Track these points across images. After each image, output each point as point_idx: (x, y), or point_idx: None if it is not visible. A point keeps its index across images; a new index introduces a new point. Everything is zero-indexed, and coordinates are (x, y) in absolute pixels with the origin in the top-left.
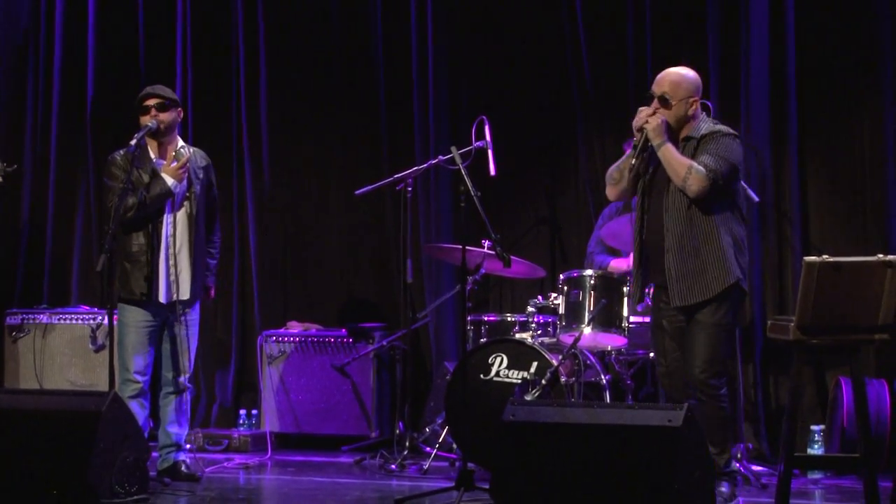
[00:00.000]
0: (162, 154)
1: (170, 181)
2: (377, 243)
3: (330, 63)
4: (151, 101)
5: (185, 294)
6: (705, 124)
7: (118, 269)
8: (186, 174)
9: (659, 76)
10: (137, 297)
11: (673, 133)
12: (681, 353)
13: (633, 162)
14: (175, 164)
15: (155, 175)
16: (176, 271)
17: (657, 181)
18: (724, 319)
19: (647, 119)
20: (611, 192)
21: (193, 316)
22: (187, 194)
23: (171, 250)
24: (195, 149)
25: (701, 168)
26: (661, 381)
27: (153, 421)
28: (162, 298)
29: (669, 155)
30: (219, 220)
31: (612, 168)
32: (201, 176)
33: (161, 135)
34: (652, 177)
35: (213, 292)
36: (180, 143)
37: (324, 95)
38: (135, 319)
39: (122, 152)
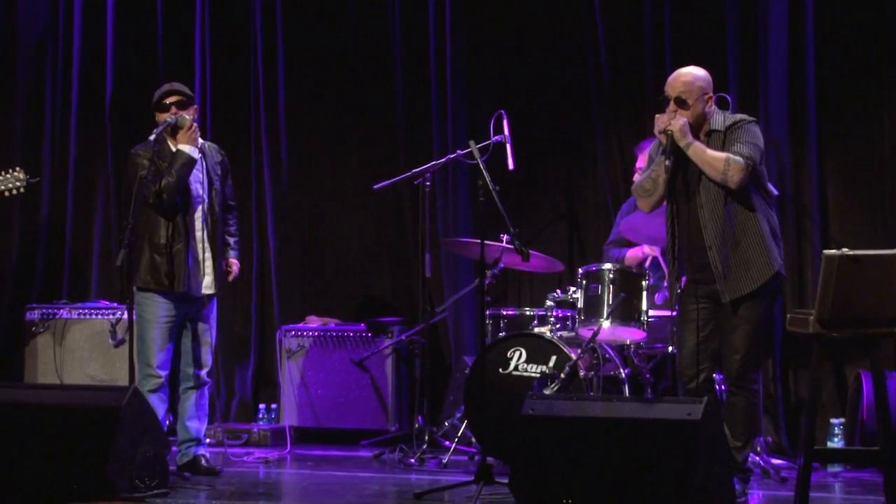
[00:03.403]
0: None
1: (187, 148)
2: (395, 238)
3: (348, 58)
4: (172, 99)
5: (209, 288)
6: (720, 115)
7: (145, 261)
8: (198, 135)
9: (671, 78)
10: (166, 288)
11: (693, 132)
12: (708, 345)
13: (666, 163)
14: (183, 131)
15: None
16: (202, 266)
17: (685, 181)
18: (765, 313)
19: (670, 122)
20: (645, 204)
21: (214, 311)
22: (210, 192)
23: (199, 245)
24: (209, 143)
25: (738, 158)
26: (679, 374)
27: (172, 415)
28: (195, 292)
29: (702, 152)
30: (235, 206)
31: (641, 181)
32: (220, 172)
33: (178, 131)
34: (679, 178)
35: (236, 268)
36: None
37: (342, 91)
38: (156, 314)
39: (143, 146)
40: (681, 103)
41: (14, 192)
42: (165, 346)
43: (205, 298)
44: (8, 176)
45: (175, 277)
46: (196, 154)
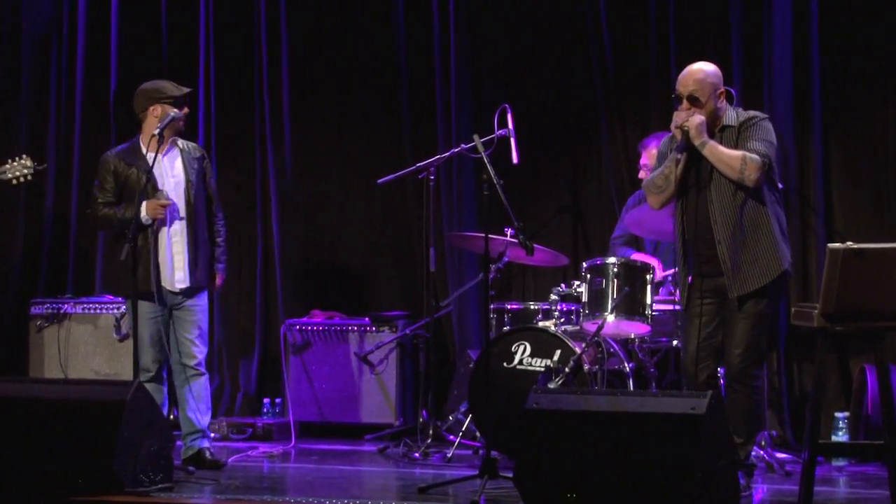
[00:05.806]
0: (151, 145)
1: (143, 214)
2: (400, 232)
3: (352, 52)
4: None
5: (184, 282)
6: (732, 111)
7: (110, 267)
8: (163, 214)
9: (682, 76)
10: (146, 291)
11: (707, 128)
12: (712, 341)
13: (678, 157)
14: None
15: (145, 180)
16: (172, 262)
17: (697, 177)
18: (768, 309)
19: (687, 119)
20: (656, 200)
21: (199, 303)
22: (186, 186)
23: (171, 240)
24: (190, 143)
25: (755, 156)
26: (684, 369)
27: (176, 409)
28: (172, 287)
29: (718, 150)
30: (219, 205)
31: (653, 177)
32: (196, 167)
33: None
34: (691, 173)
35: (219, 279)
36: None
37: (346, 85)
38: (143, 311)
39: (113, 153)
40: (694, 101)
41: (22, 179)
42: (155, 341)
43: (183, 292)
44: (15, 164)
45: (141, 278)
46: (147, 222)
